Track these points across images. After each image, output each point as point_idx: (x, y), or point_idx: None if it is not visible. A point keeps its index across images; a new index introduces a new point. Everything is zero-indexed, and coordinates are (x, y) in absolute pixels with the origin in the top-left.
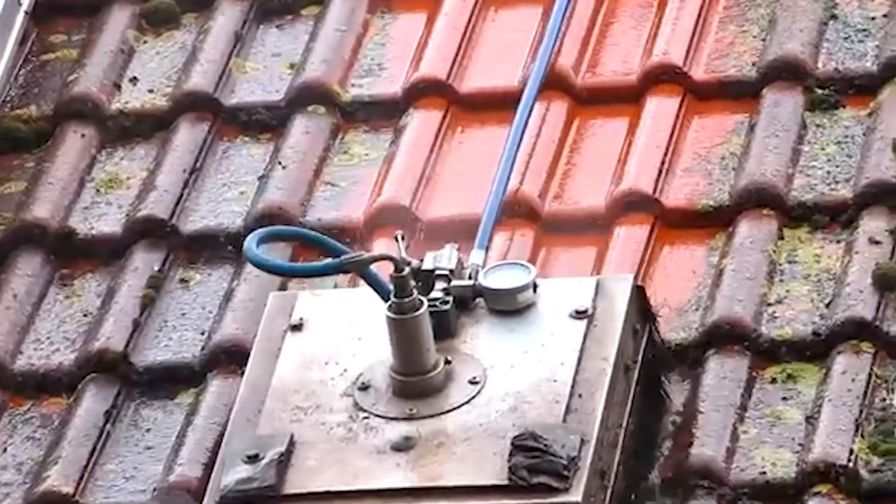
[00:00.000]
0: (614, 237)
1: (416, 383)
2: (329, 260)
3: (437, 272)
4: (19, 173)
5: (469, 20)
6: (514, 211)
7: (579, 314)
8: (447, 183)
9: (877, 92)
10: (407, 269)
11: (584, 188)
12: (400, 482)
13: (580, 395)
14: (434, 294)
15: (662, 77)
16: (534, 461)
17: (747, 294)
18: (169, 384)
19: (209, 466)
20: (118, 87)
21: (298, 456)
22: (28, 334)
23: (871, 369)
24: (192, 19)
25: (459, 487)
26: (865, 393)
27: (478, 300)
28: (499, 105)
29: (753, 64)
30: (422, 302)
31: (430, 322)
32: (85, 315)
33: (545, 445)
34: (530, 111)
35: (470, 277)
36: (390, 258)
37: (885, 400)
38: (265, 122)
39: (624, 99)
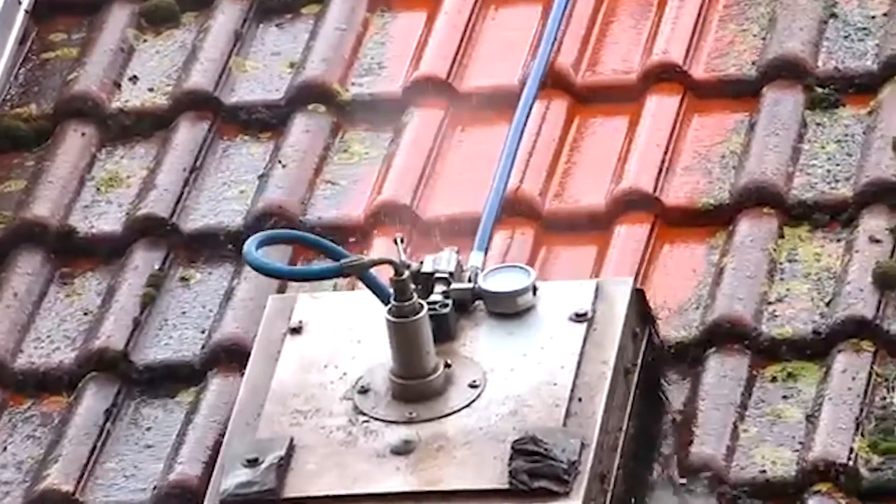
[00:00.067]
0: (614, 236)
1: (415, 387)
2: (329, 263)
3: (437, 275)
4: (19, 172)
5: (469, 19)
6: (515, 210)
7: (579, 317)
8: (447, 182)
9: (877, 90)
10: (406, 273)
11: (585, 187)
12: (400, 486)
13: (580, 399)
14: (433, 297)
15: (662, 76)
16: (534, 465)
17: (748, 293)
18: (169, 383)
19: (209, 465)
20: (118, 85)
21: (298, 460)
22: (28, 333)
23: (872, 368)
24: (192, 18)
25: (460, 491)
26: (866, 391)
27: (477, 303)
28: (499, 104)
29: (753, 63)
30: (421, 305)
31: (430, 325)
32: (85, 314)
33: (545, 449)
34: (530, 110)
35: (469, 280)
36: (390, 262)
37: (885, 398)
38: (265, 121)
39: (624, 98)
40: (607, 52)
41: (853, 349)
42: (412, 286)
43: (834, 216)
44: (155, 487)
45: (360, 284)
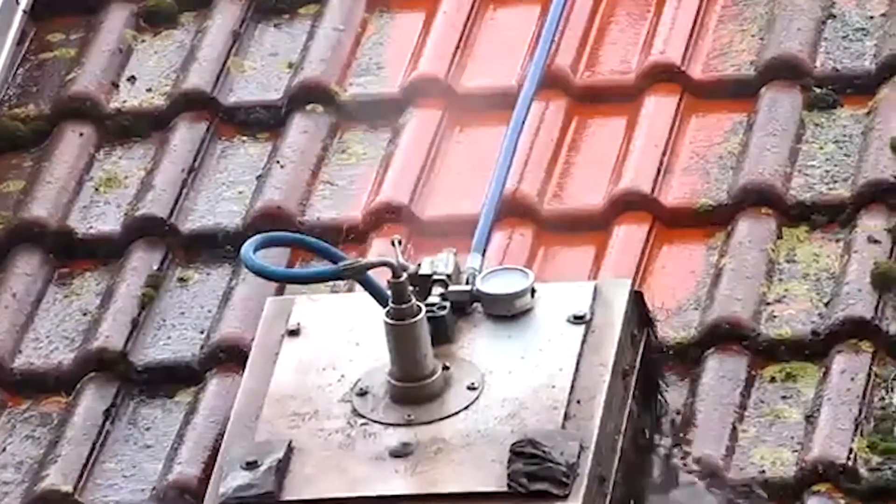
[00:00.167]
0: (613, 236)
1: (414, 389)
2: (327, 266)
3: (435, 277)
4: (18, 172)
5: (467, 19)
6: (513, 210)
7: (577, 319)
8: (446, 182)
9: (875, 91)
10: (404, 275)
11: (583, 187)
12: (398, 489)
13: (579, 402)
14: (431, 299)
15: (661, 76)
16: (533, 468)
17: (746, 293)
18: (168, 383)
19: (208, 465)
20: (116, 86)
21: (296, 462)
22: (27, 333)
23: (871, 368)
24: (190, 18)
25: (458, 494)
26: (865, 392)
27: (475, 305)
28: (497, 104)
29: (752, 63)
30: (419, 307)
31: (428, 328)
32: (84, 314)
33: (544, 452)
34: (528, 110)
35: (467, 282)
36: (388, 264)
37: (884, 399)
38: (263, 122)
39: (622, 98)
40: (606, 53)
41: (852, 350)
42: (410, 288)
43: (832, 217)
44: (154, 488)
45: (358, 286)
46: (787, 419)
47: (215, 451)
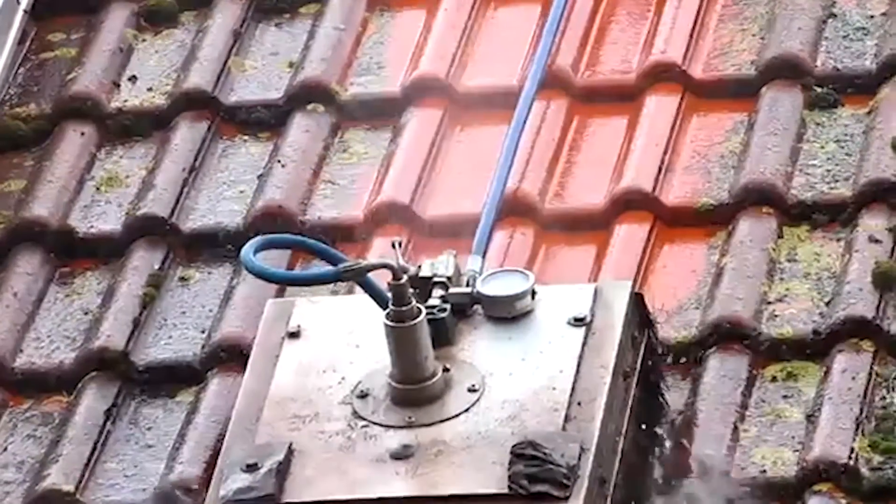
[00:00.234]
0: (614, 235)
1: (414, 391)
2: (327, 268)
3: (435, 279)
4: (19, 172)
5: (468, 18)
6: (514, 209)
7: (578, 321)
8: (447, 181)
9: (876, 90)
10: (405, 277)
11: (584, 186)
12: (399, 491)
13: (579, 403)
14: (432, 301)
15: (662, 75)
16: (534, 469)
17: (747, 292)
18: (169, 382)
19: (209, 465)
20: (117, 85)
21: (297, 465)
22: (28, 333)
23: (872, 368)
24: (191, 18)
25: (459, 496)
26: (866, 391)
27: (476, 307)
28: (498, 103)
29: (752, 62)
30: (420, 310)
31: (429, 330)
32: (85, 313)
33: (545, 454)
34: (529, 109)
35: (468, 284)
36: (388, 266)
37: (885, 398)
38: (264, 121)
39: (623, 97)
40: (606, 52)
41: (853, 349)
42: (410, 290)
43: (833, 216)
44: (155, 487)
45: (358, 288)
46: (788, 419)
47: (216, 450)
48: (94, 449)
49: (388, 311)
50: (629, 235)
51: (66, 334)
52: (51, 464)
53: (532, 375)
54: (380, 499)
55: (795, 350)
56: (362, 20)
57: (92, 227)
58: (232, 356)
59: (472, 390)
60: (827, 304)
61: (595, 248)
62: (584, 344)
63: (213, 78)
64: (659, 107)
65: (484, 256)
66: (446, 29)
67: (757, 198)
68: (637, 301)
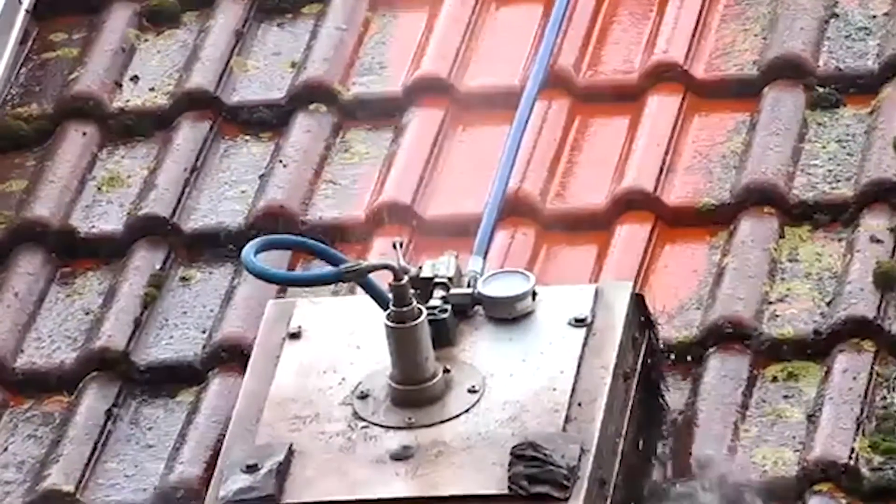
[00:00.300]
0: (615, 236)
1: (415, 392)
2: (328, 269)
3: (436, 280)
4: (20, 172)
5: (470, 18)
6: (515, 209)
7: (578, 322)
8: (448, 181)
9: (878, 90)
10: (405, 278)
11: (586, 186)
12: (399, 492)
13: (580, 404)
14: (432, 302)
15: (663, 75)
16: (534, 470)
17: (748, 292)
18: (170, 383)
19: (210, 465)
20: (119, 85)
21: (297, 465)
22: (29, 333)
23: (873, 368)
24: (193, 18)
25: (459, 497)
26: (866, 391)
27: (476, 308)
28: (500, 103)
29: (754, 62)
30: (420, 310)
31: (429, 330)
32: (86, 313)
33: (545, 455)
34: (531, 109)
35: (468, 285)
36: (389, 267)
37: (886, 398)
38: (266, 121)
39: (625, 97)
40: (608, 52)
41: (854, 349)
42: (411, 291)
43: (835, 216)
44: (156, 488)
45: (359, 288)
46: (788, 419)
47: (217, 450)
48: (94, 449)
49: (388, 311)
50: (630, 235)
51: (67, 334)
52: (51, 464)
53: (532, 376)
54: (380, 500)
55: (796, 350)
56: (364, 20)
57: (93, 227)
58: (233, 356)
59: (472, 391)
60: (828, 304)
61: (596, 248)
62: (584, 345)
63: (215, 78)
64: (661, 107)
65: (485, 257)
66: (448, 29)
67: (758, 198)
68: (638, 302)
